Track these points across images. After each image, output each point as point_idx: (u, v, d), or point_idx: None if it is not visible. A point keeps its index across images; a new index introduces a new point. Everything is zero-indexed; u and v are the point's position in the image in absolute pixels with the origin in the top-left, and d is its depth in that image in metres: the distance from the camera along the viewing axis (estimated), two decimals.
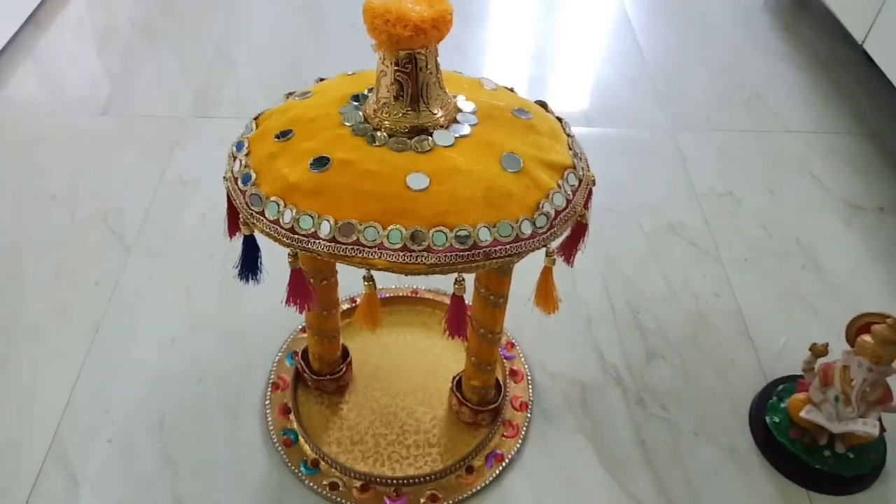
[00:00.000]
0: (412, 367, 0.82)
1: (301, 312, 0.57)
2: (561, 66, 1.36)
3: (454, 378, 0.77)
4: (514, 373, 0.82)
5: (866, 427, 0.71)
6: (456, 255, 0.47)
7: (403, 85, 0.50)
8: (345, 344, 0.79)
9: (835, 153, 1.15)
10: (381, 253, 0.47)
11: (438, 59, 0.50)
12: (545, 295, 0.56)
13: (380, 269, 0.47)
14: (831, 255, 0.98)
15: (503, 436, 0.76)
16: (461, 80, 0.59)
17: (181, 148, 1.11)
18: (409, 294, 0.89)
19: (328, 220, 0.47)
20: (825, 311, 0.90)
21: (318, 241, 0.47)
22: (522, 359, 0.84)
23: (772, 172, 1.11)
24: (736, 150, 1.15)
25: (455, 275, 0.50)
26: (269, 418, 0.77)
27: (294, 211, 0.48)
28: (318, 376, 0.77)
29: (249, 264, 0.55)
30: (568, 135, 0.57)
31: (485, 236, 0.48)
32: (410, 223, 0.47)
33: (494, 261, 0.48)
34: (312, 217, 0.47)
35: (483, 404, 0.75)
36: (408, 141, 0.51)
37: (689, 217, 1.03)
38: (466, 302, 0.55)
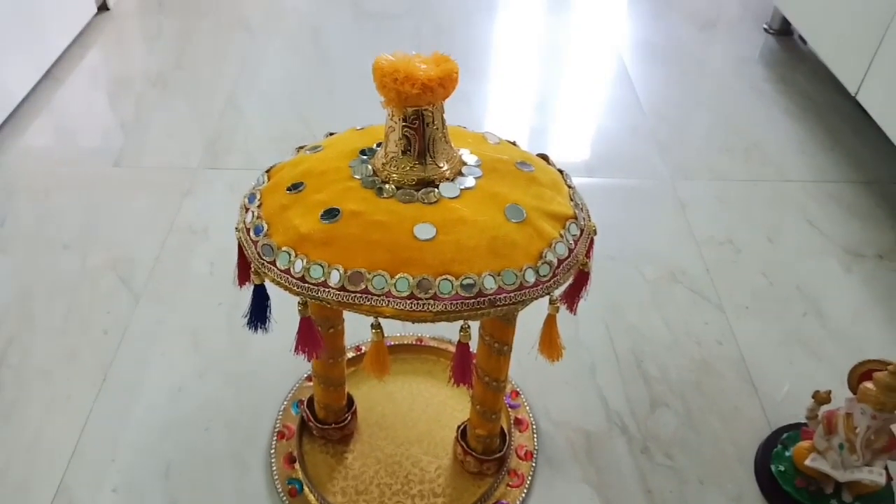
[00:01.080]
0: (417, 416, 0.82)
1: (309, 360, 0.58)
2: (561, 117, 1.39)
3: (459, 427, 0.77)
4: (518, 421, 0.82)
5: (872, 476, 0.71)
6: (461, 302, 0.48)
7: (411, 140, 0.52)
8: (350, 392, 0.79)
9: (832, 201, 1.17)
10: (388, 301, 0.48)
11: (444, 115, 0.53)
12: (549, 342, 0.57)
13: (387, 317, 0.49)
14: (832, 302, 0.99)
15: (508, 485, 0.76)
16: (465, 135, 0.61)
17: (191, 197, 1.13)
18: (414, 342, 0.90)
19: (338, 269, 0.48)
20: (827, 357, 0.91)
21: (327, 290, 0.49)
22: (527, 407, 0.84)
23: (771, 220, 1.13)
24: (735, 199, 1.17)
25: (461, 322, 0.51)
26: (275, 468, 0.77)
27: (305, 260, 0.49)
28: (324, 425, 0.77)
29: (259, 313, 0.56)
30: (569, 186, 0.59)
31: (490, 284, 0.49)
32: (417, 272, 0.48)
33: (499, 308, 0.49)
34: (323, 266, 0.49)
35: (488, 453, 0.75)
36: (415, 193, 0.52)
37: (690, 265, 1.04)
38: (471, 349, 0.56)
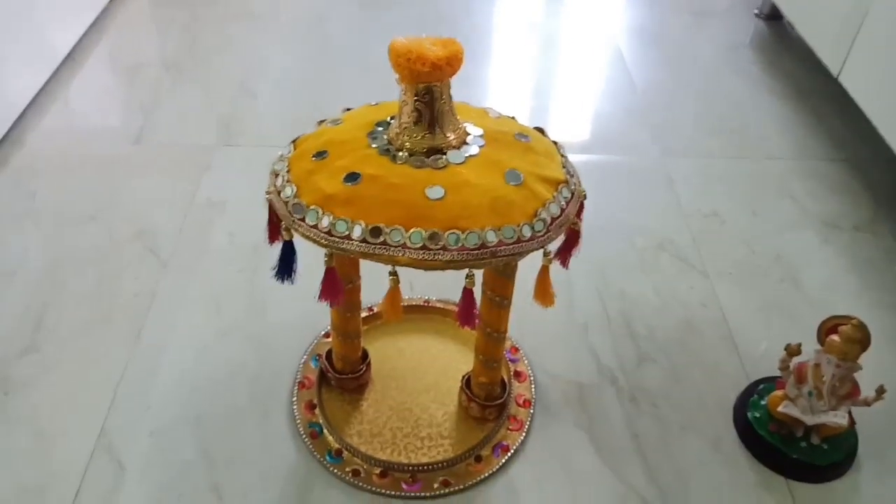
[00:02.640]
0: (425, 369, 0.90)
1: (332, 306, 0.65)
2: (558, 99, 1.46)
3: (464, 377, 0.85)
4: (517, 374, 0.90)
5: (837, 418, 0.79)
6: (467, 253, 0.56)
7: (422, 112, 0.59)
8: (364, 347, 0.87)
9: (813, 177, 1.24)
10: (404, 251, 0.55)
11: (451, 91, 0.60)
12: (543, 291, 0.64)
13: (403, 266, 0.56)
14: (809, 270, 1.06)
15: (508, 429, 0.84)
16: (469, 110, 0.68)
17: (209, 173, 1.20)
18: (422, 303, 0.97)
19: (360, 224, 0.56)
20: (802, 319, 0.98)
21: (351, 242, 0.56)
22: (525, 361, 0.92)
23: (754, 195, 1.20)
24: (721, 175, 1.24)
25: (466, 270, 0.59)
26: (296, 413, 0.85)
27: (331, 217, 0.57)
28: (341, 375, 0.85)
29: (286, 267, 0.64)
30: (562, 155, 0.66)
31: (491, 238, 0.56)
32: (429, 226, 0.56)
33: (500, 259, 0.57)
34: (346, 222, 0.56)
35: (490, 400, 0.83)
36: (425, 159, 0.60)
37: (677, 235, 1.12)
38: (475, 296, 0.64)
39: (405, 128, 0.60)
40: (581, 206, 0.65)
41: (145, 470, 0.79)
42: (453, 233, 0.56)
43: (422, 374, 0.89)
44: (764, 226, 1.14)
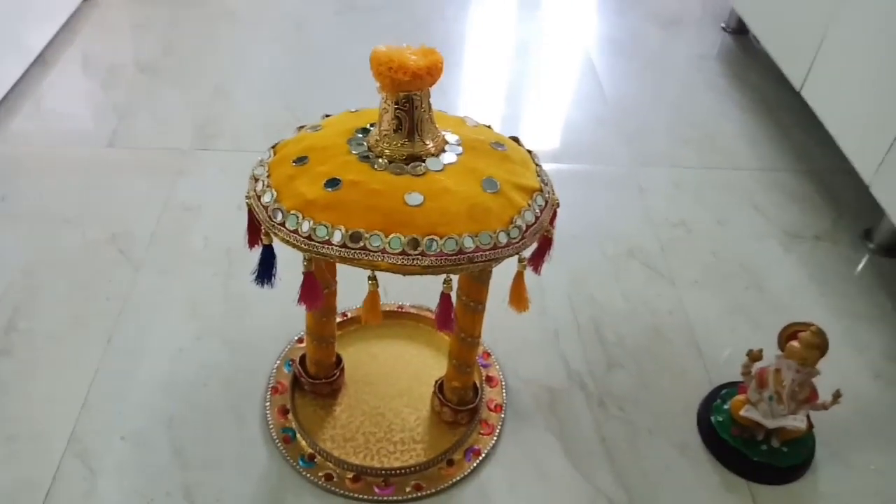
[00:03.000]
0: (398, 374, 0.91)
1: (310, 310, 0.66)
2: (531, 107, 1.48)
3: (436, 382, 0.86)
4: (489, 379, 0.92)
5: (796, 422, 0.82)
6: (445, 258, 0.57)
7: (402, 120, 0.60)
8: (338, 352, 0.88)
9: (777, 188, 1.28)
10: (383, 256, 0.56)
11: (430, 100, 0.61)
12: (518, 296, 0.66)
13: (383, 271, 0.57)
14: (772, 278, 1.10)
15: (480, 433, 0.86)
16: (447, 118, 0.70)
17: (184, 176, 1.20)
18: (396, 309, 0.98)
19: (340, 230, 0.57)
20: (766, 326, 1.02)
21: (331, 247, 0.57)
22: (497, 367, 0.93)
23: (721, 205, 1.24)
24: (689, 185, 1.28)
25: (444, 276, 0.60)
26: (270, 418, 0.85)
27: (311, 222, 0.58)
28: (314, 380, 0.86)
29: (266, 271, 0.64)
30: (536, 164, 0.68)
31: (469, 244, 0.58)
32: (408, 232, 0.57)
33: (476, 264, 0.58)
34: (327, 227, 0.57)
35: (462, 404, 0.84)
36: (405, 166, 0.61)
37: (646, 243, 1.15)
38: (452, 301, 0.65)
39: (385, 135, 0.61)
40: (554, 214, 0.67)
41: (117, 473, 0.79)
42: (432, 239, 0.57)
43: (395, 380, 0.90)
44: (729, 235, 1.18)
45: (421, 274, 0.57)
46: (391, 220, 0.57)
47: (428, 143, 0.62)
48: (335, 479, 0.80)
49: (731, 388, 0.90)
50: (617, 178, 1.28)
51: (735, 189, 1.27)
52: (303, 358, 0.87)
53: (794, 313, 1.03)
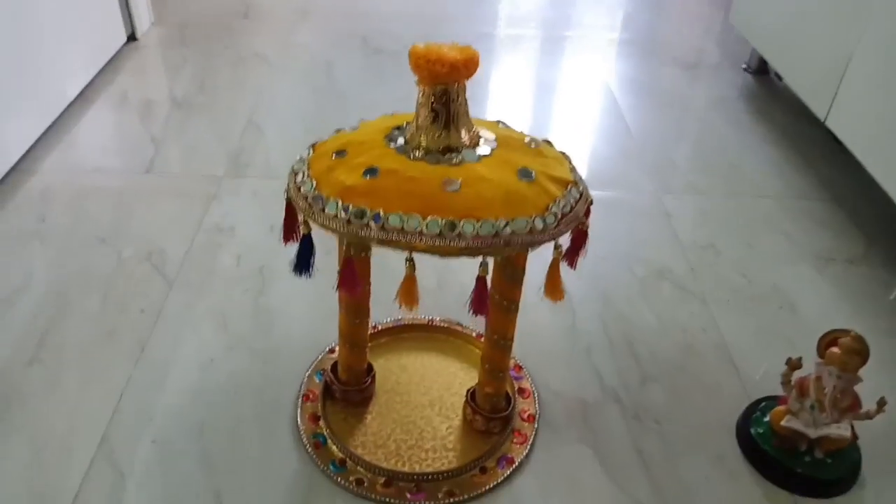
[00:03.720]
0: (429, 384, 0.90)
1: (350, 296, 0.67)
2: (556, 141, 1.50)
3: (468, 391, 0.85)
4: (521, 390, 0.91)
5: (840, 430, 0.80)
6: (482, 241, 0.58)
7: (439, 112, 0.62)
8: (370, 362, 0.87)
9: (805, 215, 1.28)
10: (421, 238, 0.57)
11: (466, 94, 0.63)
12: (553, 285, 0.66)
13: (420, 251, 0.58)
14: (805, 299, 1.09)
15: (513, 442, 0.84)
16: (481, 122, 0.72)
17: (218, 201, 1.23)
18: (426, 323, 0.98)
19: (379, 213, 0.58)
20: (801, 344, 1.00)
21: (370, 229, 0.58)
22: (529, 379, 0.92)
23: (748, 230, 1.23)
24: (715, 211, 1.28)
25: (477, 270, 0.61)
26: (300, 424, 0.84)
27: (351, 206, 0.59)
28: (346, 387, 0.85)
29: (304, 262, 0.65)
30: (570, 163, 0.69)
31: (505, 228, 0.58)
32: (445, 216, 0.58)
33: (513, 247, 0.59)
34: (366, 211, 0.58)
35: (495, 412, 0.83)
36: (441, 157, 0.62)
37: (675, 265, 1.14)
38: (487, 284, 0.65)
39: (422, 127, 0.63)
40: (588, 210, 0.67)
41: (146, 478, 0.79)
42: (469, 221, 0.58)
43: (426, 390, 0.90)
44: (759, 258, 1.17)
45: (457, 255, 0.58)
46: (429, 204, 0.58)
47: (463, 135, 0.63)
48: (366, 484, 0.79)
49: (771, 400, 0.89)
50: (644, 204, 1.29)
51: (762, 216, 1.27)
52: (334, 366, 0.87)
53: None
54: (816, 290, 1.11)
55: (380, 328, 0.96)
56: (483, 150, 0.65)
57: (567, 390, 0.92)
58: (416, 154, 0.63)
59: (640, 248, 1.18)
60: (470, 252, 0.58)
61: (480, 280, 0.62)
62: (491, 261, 0.61)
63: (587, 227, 0.67)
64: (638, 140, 1.49)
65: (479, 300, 0.63)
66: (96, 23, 1.56)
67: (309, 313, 1.00)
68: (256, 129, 1.45)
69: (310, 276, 0.66)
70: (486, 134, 0.67)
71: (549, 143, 0.73)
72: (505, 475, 0.80)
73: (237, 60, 1.71)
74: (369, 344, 0.88)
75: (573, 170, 0.69)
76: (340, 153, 0.64)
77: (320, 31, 1.89)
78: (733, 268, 1.15)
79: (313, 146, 0.69)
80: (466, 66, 0.60)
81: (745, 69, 1.80)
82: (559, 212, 0.62)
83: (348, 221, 0.59)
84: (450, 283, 1.06)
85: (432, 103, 0.62)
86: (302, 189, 0.63)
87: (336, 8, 2.03)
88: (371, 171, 0.61)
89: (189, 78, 1.62)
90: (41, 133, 1.35)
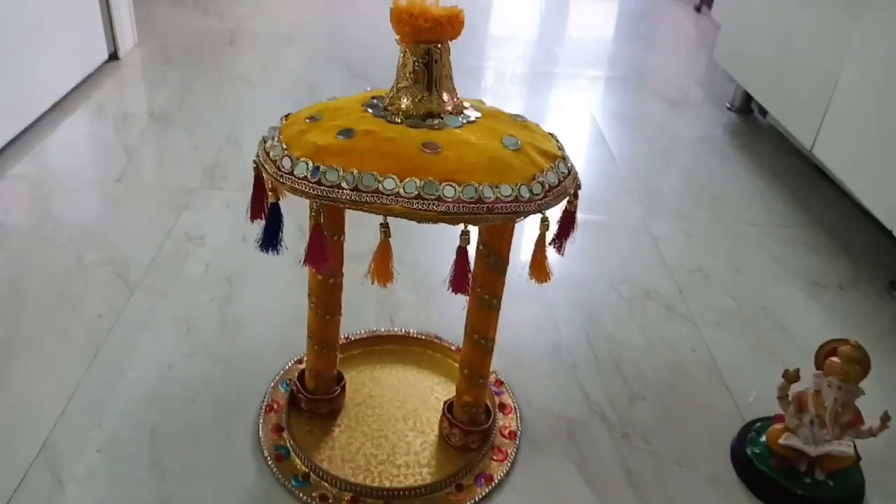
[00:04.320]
0: (403, 398, 0.84)
1: (317, 271, 0.62)
2: None
3: (445, 402, 0.79)
4: (502, 405, 0.84)
5: (842, 447, 0.74)
6: (463, 206, 0.53)
7: (420, 74, 0.58)
8: (340, 371, 0.81)
9: (792, 241, 1.25)
10: (397, 200, 0.53)
11: (450, 56, 0.60)
12: (538, 265, 0.61)
13: (396, 215, 0.53)
14: (797, 321, 1.05)
15: (492, 459, 0.78)
16: (464, 98, 0.68)
17: (189, 211, 1.17)
18: (402, 334, 0.93)
19: (352, 173, 0.53)
20: (793, 364, 0.93)
21: (341, 191, 0.53)
22: (511, 395, 0.86)
23: (736, 255, 1.20)
24: (702, 236, 1.25)
25: (461, 229, 0.56)
26: (262, 435, 0.77)
27: (322, 167, 0.54)
28: (313, 396, 0.79)
29: (272, 235, 0.60)
30: (557, 141, 0.65)
31: (488, 193, 0.54)
32: (424, 177, 0.53)
33: (496, 216, 0.54)
34: (338, 171, 0.54)
35: (473, 425, 0.77)
36: (421, 122, 0.58)
37: (663, 287, 1.10)
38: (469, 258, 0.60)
39: (402, 88, 0.59)
40: (576, 192, 0.63)
41: (88, 485, 0.71)
42: (449, 185, 0.53)
43: (400, 403, 0.83)
44: (748, 281, 1.13)
45: (436, 221, 0.53)
46: (406, 165, 0.54)
47: (446, 99, 0.59)
48: (331, 501, 0.71)
49: (767, 421, 0.83)
50: (630, 228, 1.26)
51: (750, 241, 1.24)
52: (301, 374, 0.81)
53: None
54: (807, 314, 1.07)
55: (353, 339, 0.91)
56: (468, 117, 0.61)
57: (551, 407, 0.86)
58: (396, 119, 0.59)
59: (626, 268, 1.14)
60: (450, 218, 0.53)
61: (461, 252, 0.57)
62: (474, 231, 0.56)
63: (575, 208, 0.62)
64: (624, 169, 1.47)
65: (460, 275, 0.57)
66: (78, 37, 1.53)
67: (278, 323, 0.94)
68: (235, 144, 1.41)
69: (277, 251, 0.61)
70: (469, 105, 0.63)
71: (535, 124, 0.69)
72: (484, 493, 0.74)
73: (219, 81, 1.69)
74: (340, 355, 0.82)
75: (561, 147, 0.65)
76: (314, 118, 0.60)
77: (305, 56, 1.87)
78: (722, 290, 1.11)
79: (286, 116, 0.65)
80: (451, 22, 0.57)
81: (728, 108, 1.80)
82: (546, 183, 0.58)
83: (318, 182, 0.54)
84: (427, 297, 1.00)
85: (414, 62, 0.58)
86: (271, 154, 0.59)
87: (322, 35, 2.03)
88: (346, 132, 0.57)
89: (168, 95, 1.59)
90: (12, 137, 1.30)
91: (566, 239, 0.63)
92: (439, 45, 0.58)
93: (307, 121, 0.60)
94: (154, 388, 0.83)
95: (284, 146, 0.58)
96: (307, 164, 0.55)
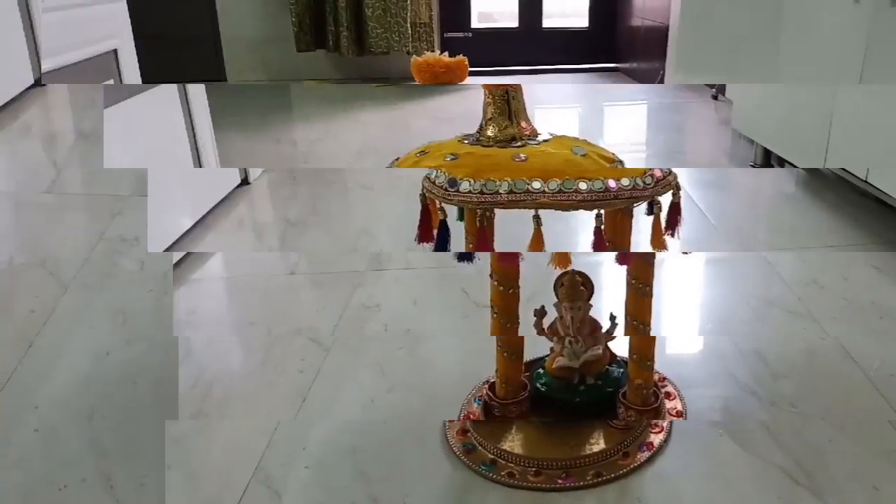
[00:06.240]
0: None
1: (484, 251, 0.81)
2: None
3: (620, 391, 0.91)
4: (667, 394, 0.97)
5: (594, 351, 0.91)
6: (595, 195, 0.71)
7: (501, 108, 0.78)
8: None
9: (881, 258, 1.35)
10: (544, 196, 0.71)
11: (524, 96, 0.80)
12: (657, 236, 0.78)
13: (544, 207, 0.72)
14: None
15: (652, 431, 0.90)
16: None
17: (122, 216, 1.19)
18: None
19: (506, 181, 0.73)
20: None
21: (500, 196, 0.72)
22: (672, 386, 0.99)
23: (840, 268, 1.32)
24: (808, 258, 1.37)
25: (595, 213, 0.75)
26: (450, 437, 0.92)
27: (481, 181, 0.73)
28: (504, 401, 0.92)
29: (444, 243, 0.78)
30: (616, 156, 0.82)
31: (612, 185, 0.72)
32: (561, 177, 0.72)
33: (621, 201, 0.73)
34: (495, 182, 0.73)
35: (646, 405, 0.89)
36: (508, 143, 0.78)
37: (783, 297, 1.23)
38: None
39: (490, 119, 0.78)
40: (678, 186, 0.79)
41: (302, 495, 0.86)
42: (583, 180, 0.72)
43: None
44: (855, 286, 1.25)
45: (575, 209, 0.72)
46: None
47: (524, 126, 0.79)
48: (517, 476, 0.85)
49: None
50: (743, 258, 1.39)
51: (849, 258, 1.36)
52: (492, 385, 0.94)
53: None
54: None
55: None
56: (542, 138, 0.80)
57: (706, 392, 0.99)
58: (488, 143, 0.78)
59: (748, 288, 1.27)
60: (586, 205, 0.72)
61: (598, 230, 0.75)
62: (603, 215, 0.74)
63: (679, 199, 0.78)
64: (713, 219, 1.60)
65: (599, 241, 0.76)
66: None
67: (465, 354, 1.10)
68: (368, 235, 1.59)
69: (448, 251, 0.79)
70: (542, 130, 0.82)
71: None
72: (645, 458, 0.86)
73: (343, 190, 1.86)
74: None
75: (620, 161, 0.81)
76: (422, 153, 0.80)
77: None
78: (836, 294, 1.23)
79: (395, 160, 0.83)
80: (459, 67, 0.78)
81: (752, 165, 1.93)
82: (653, 178, 0.75)
83: (481, 193, 0.73)
84: None
85: (497, 99, 0.78)
86: (436, 182, 0.77)
87: (389, 152, 2.20)
88: (452, 157, 0.77)
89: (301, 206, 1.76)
90: None
91: (677, 225, 0.79)
92: (514, 86, 0.78)
93: (416, 156, 0.80)
94: (358, 417, 0.99)
95: (443, 172, 0.77)
96: (469, 182, 0.74)
